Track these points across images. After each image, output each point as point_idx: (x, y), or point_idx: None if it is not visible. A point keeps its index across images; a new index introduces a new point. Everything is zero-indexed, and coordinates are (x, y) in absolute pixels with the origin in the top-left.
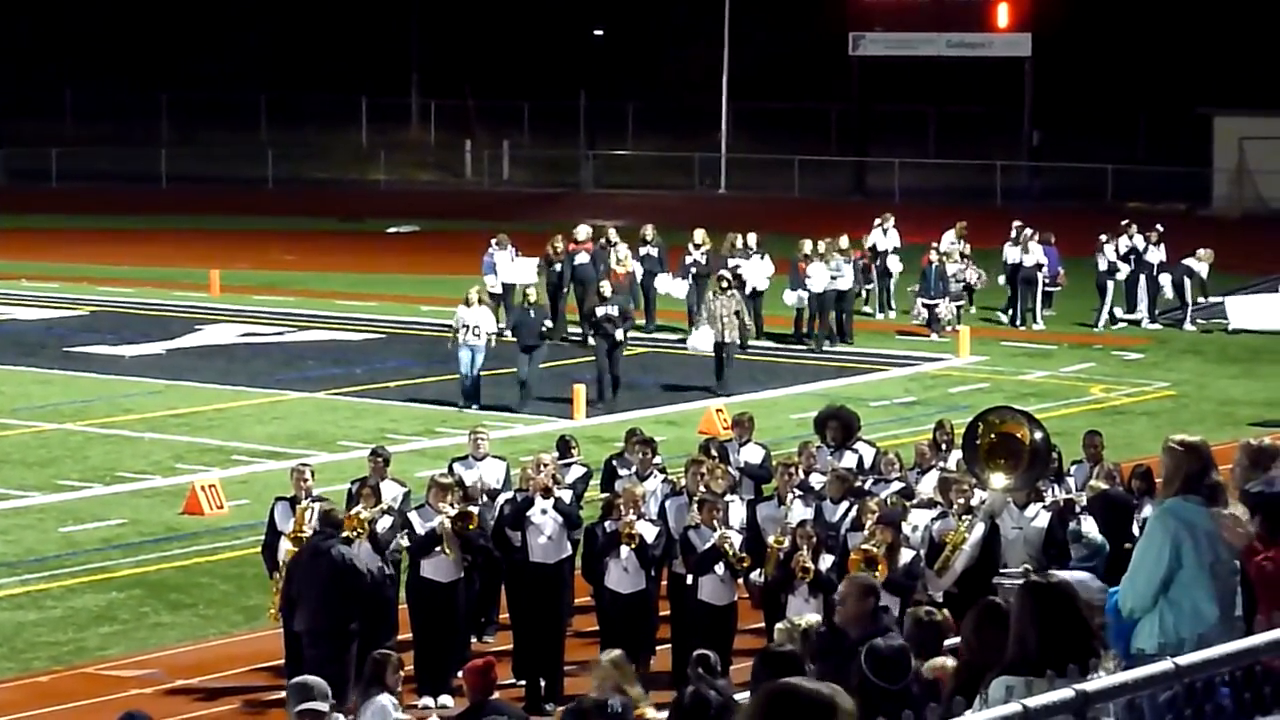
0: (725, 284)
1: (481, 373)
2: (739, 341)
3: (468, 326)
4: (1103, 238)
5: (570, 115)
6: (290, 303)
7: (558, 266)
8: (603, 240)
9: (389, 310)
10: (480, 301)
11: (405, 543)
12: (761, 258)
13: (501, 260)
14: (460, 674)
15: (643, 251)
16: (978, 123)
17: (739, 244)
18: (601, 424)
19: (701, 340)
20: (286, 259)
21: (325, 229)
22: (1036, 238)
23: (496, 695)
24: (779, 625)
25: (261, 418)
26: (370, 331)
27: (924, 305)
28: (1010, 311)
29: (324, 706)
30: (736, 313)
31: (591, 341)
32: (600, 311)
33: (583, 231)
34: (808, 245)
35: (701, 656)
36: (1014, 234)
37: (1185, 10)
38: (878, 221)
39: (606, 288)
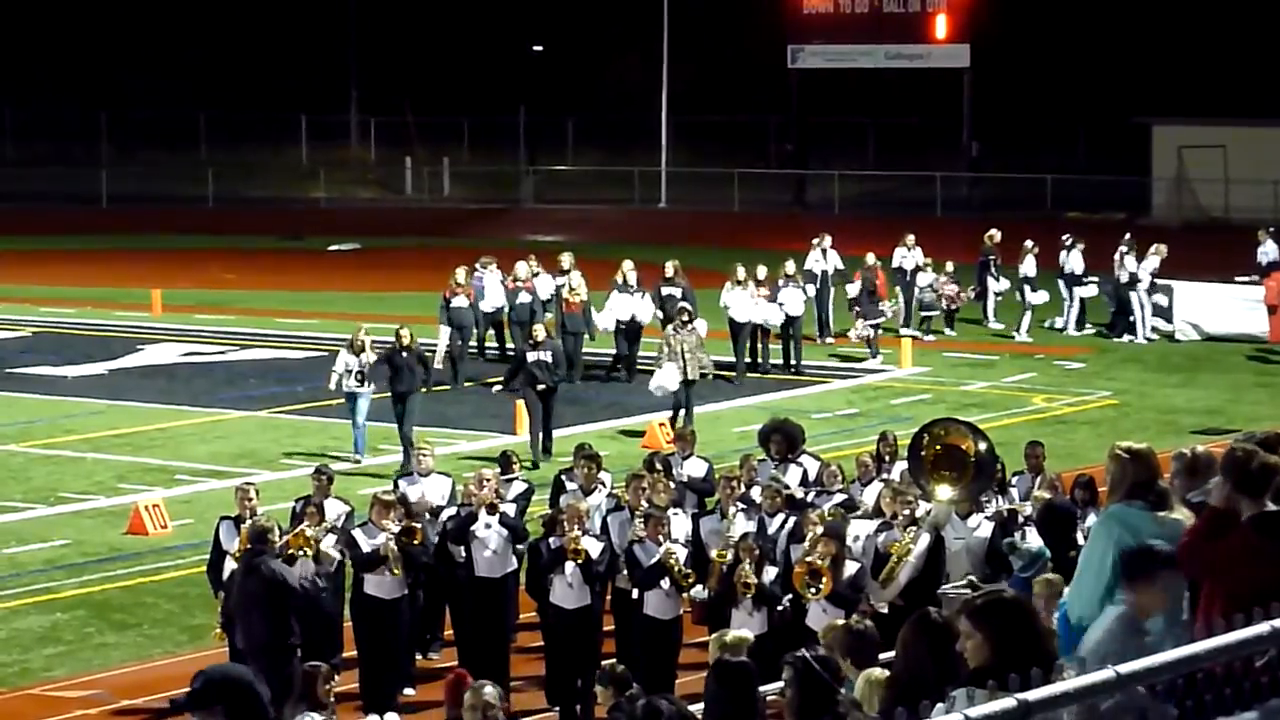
0: (686, 317)
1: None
2: (703, 376)
3: (351, 372)
4: (1123, 248)
5: (510, 131)
6: (231, 321)
7: (461, 302)
8: (523, 266)
9: (330, 328)
10: (369, 347)
11: (336, 555)
12: (643, 296)
13: (490, 283)
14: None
15: (560, 281)
16: (917, 134)
17: (668, 273)
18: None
19: (666, 379)
20: (227, 278)
21: (266, 247)
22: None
23: None
24: (712, 639)
25: (204, 437)
26: (312, 350)
27: (868, 324)
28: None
29: None
30: (699, 346)
31: (513, 391)
32: (531, 357)
33: (523, 268)
34: (789, 266)
35: (615, 675)
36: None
37: (1123, 20)
38: (815, 242)
39: (540, 331)
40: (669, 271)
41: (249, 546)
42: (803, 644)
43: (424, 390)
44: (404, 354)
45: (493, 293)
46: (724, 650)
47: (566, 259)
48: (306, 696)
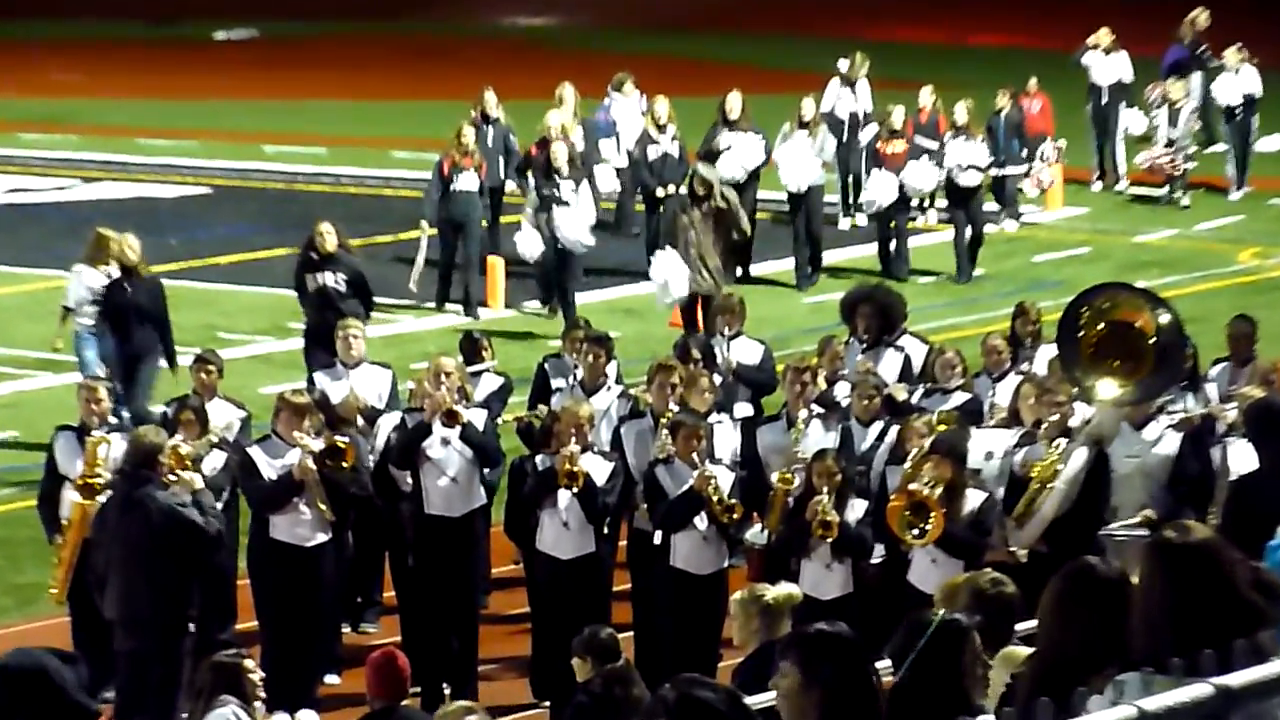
0: (704, 192)
1: None
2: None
3: (94, 299)
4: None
5: None
6: (74, 143)
7: (469, 182)
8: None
9: (216, 153)
10: (126, 253)
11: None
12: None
13: (623, 113)
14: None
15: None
16: None
17: (659, 118)
18: (528, 317)
19: (674, 284)
20: (68, 80)
21: (125, 35)
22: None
23: (408, 701)
24: (735, 597)
25: (35, 311)
26: (190, 185)
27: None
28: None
29: None
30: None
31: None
32: (313, 282)
33: (553, 118)
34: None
35: (596, 642)
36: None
37: None
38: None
39: (330, 236)
40: (660, 117)
41: (128, 471)
42: (903, 608)
43: (166, 364)
44: (128, 286)
45: (627, 134)
46: (787, 610)
47: (566, 91)
48: (234, 688)
